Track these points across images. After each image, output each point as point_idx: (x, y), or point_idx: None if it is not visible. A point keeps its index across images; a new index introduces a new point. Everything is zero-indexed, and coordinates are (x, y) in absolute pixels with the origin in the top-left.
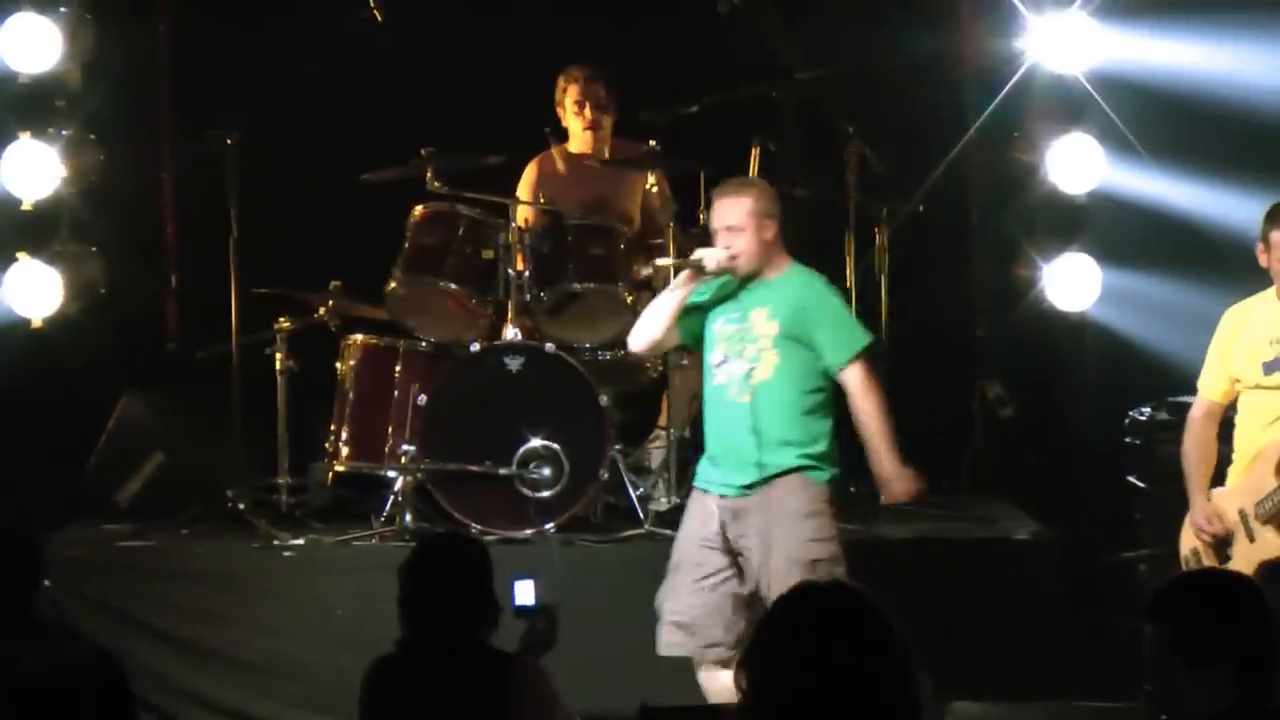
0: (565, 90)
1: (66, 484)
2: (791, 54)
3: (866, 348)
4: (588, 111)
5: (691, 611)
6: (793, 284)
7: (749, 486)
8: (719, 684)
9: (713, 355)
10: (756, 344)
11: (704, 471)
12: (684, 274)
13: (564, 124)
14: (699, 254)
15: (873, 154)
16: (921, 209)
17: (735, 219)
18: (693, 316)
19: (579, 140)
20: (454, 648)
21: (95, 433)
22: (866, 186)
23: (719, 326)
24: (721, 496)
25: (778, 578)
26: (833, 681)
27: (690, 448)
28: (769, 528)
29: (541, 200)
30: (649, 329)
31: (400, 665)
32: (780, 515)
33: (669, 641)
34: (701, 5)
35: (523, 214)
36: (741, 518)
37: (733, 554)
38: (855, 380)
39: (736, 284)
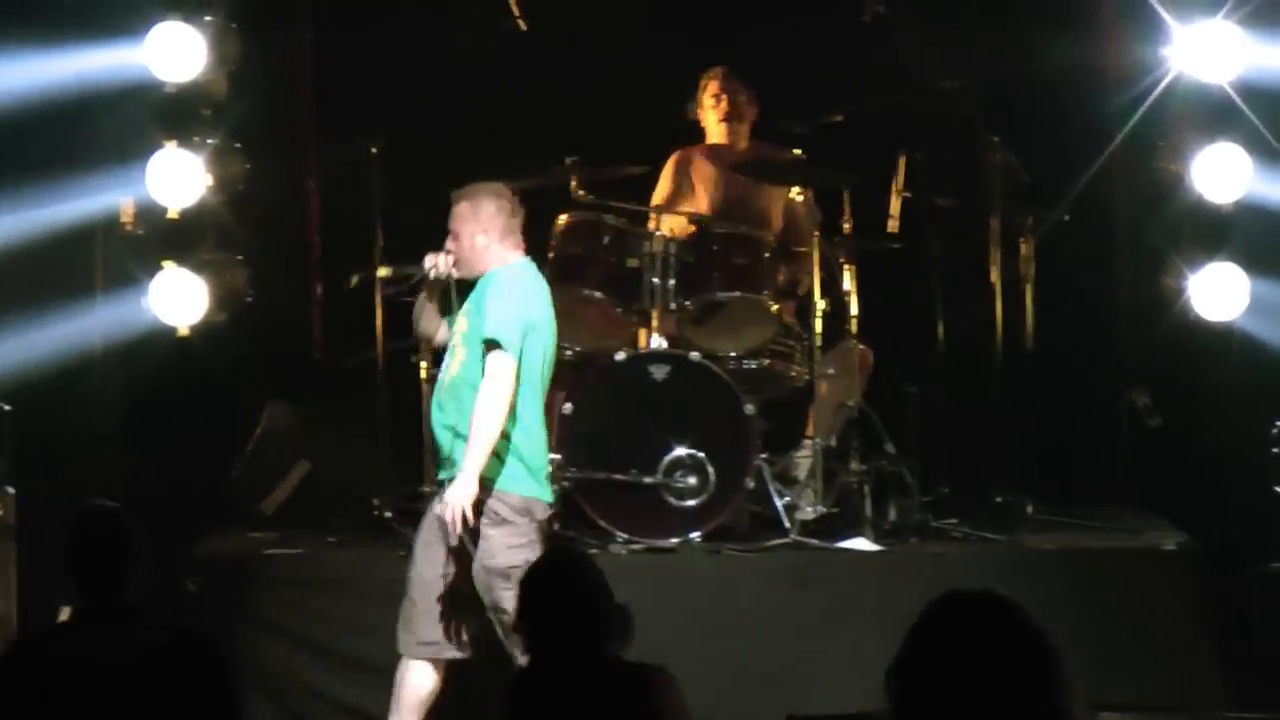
0: (704, 87)
1: (212, 492)
2: (936, 62)
3: (498, 342)
4: (724, 104)
5: None
6: (486, 282)
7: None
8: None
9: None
10: (454, 341)
11: None
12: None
13: (702, 123)
14: (426, 261)
15: (1018, 163)
16: (1067, 218)
17: (452, 224)
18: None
19: (716, 132)
20: (583, 662)
21: (241, 441)
22: (1012, 196)
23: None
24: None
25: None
26: (982, 693)
27: (836, 456)
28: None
29: (681, 198)
30: (417, 330)
31: (537, 681)
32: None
33: None
34: (845, 14)
35: (667, 223)
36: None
37: None
38: (486, 370)
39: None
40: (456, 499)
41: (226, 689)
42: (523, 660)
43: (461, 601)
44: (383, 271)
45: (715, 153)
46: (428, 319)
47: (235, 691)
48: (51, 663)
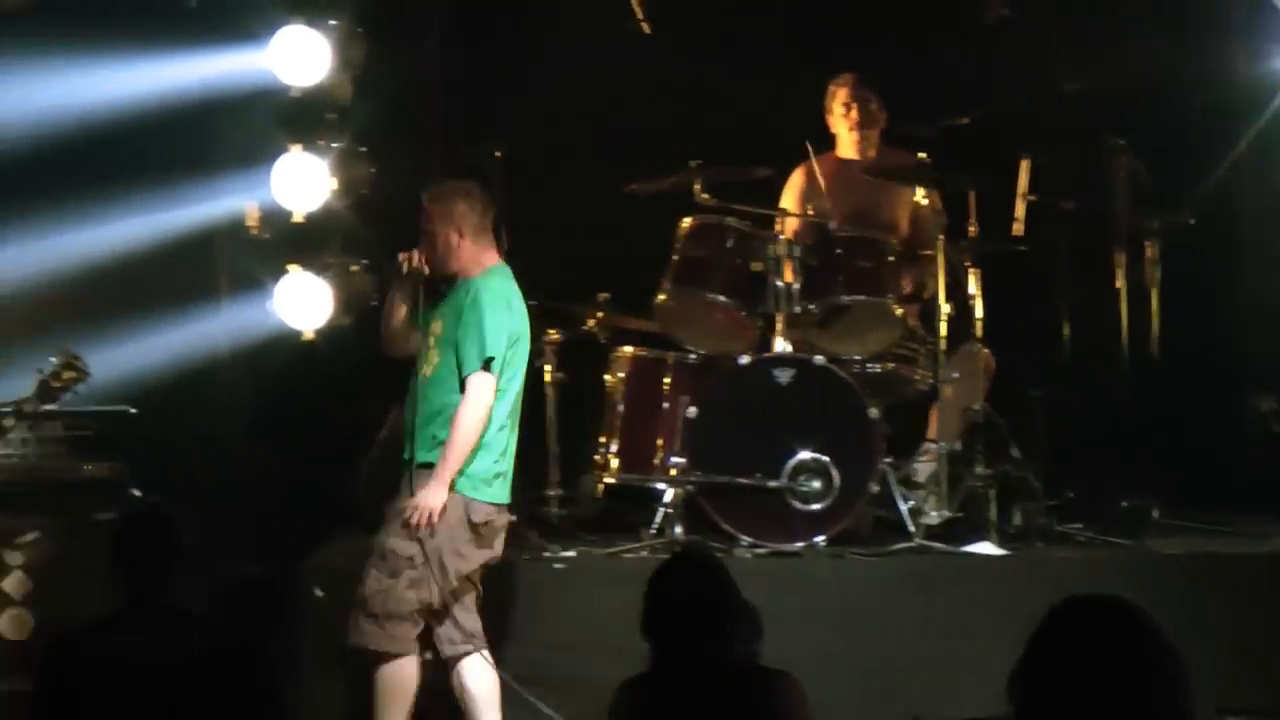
0: (834, 95)
1: (336, 497)
2: (1059, 65)
3: (486, 362)
4: (854, 113)
5: None
6: (465, 290)
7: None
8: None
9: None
10: (427, 341)
11: None
12: (396, 280)
13: (832, 130)
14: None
15: (1143, 166)
16: (1192, 222)
17: (425, 222)
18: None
19: (846, 144)
20: (707, 665)
21: (366, 444)
22: (1137, 200)
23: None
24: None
25: None
26: (1105, 698)
27: (960, 460)
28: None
29: (808, 209)
30: (383, 336)
31: (652, 685)
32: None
33: None
34: (968, 18)
35: (791, 226)
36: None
37: None
38: (467, 389)
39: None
40: (428, 503)
41: (265, 691)
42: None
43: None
44: (354, 267)
45: (844, 163)
46: (397, 318)
47: (274, 694)
48: (91, 659)
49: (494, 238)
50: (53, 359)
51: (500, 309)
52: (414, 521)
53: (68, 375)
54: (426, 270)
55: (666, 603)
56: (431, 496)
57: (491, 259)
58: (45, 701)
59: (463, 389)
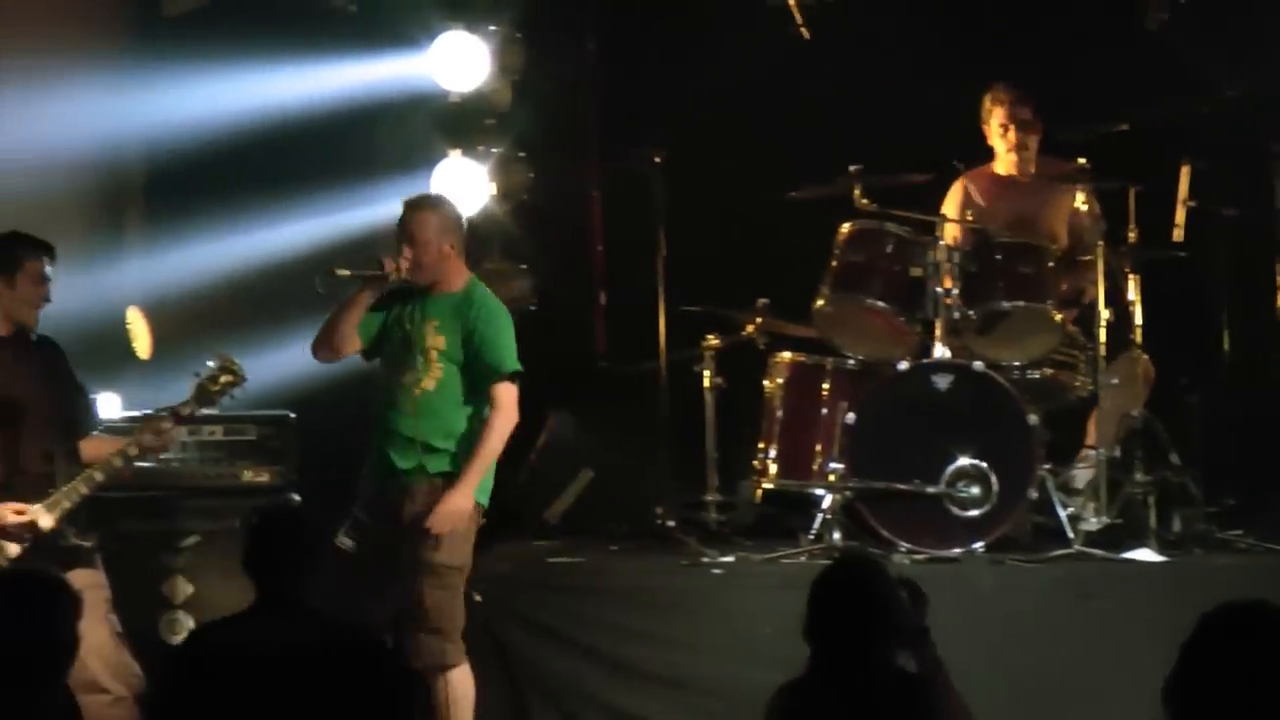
0: (991, 111)
1: (496, 501)
2: (1220, 70)
3: (515, 372)
4: (1012, 134)
5: None
6: (466, 301)
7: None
8: None
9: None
10: (424, 355)
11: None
12: (366, 282)
13: (989, 142)
14: (384, 262)
15: None
16: None
17: (416, 230)
18: (369, 323)
19: (1004, 162)
20: (866, 670)
21: (525, 449)
22: None
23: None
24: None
25: None
26: (1263, 705)
27: (1120, 467)
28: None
29: (968, 218)
30: (328, 335)
31: (810, 689)
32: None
33: None
34: (1128, 22)
35: (951, 232)
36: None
37: None
38: (498, 400)
39: (413, 293)
40: (460, 510)
41: (390, 686)
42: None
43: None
44: (342, 271)
45: (1003, 180)
46: (351, 320)
47: (398, 691)
48: (218, 652)
49: None
50: (210, 363)
51: (508, 318)
52: (445, 530)
53: (224, 379)
54: (419, 279)
55: (829, 606)
56: (462, 503)
57: (469, 274)
58: (169, 692)
59: (469, 401)
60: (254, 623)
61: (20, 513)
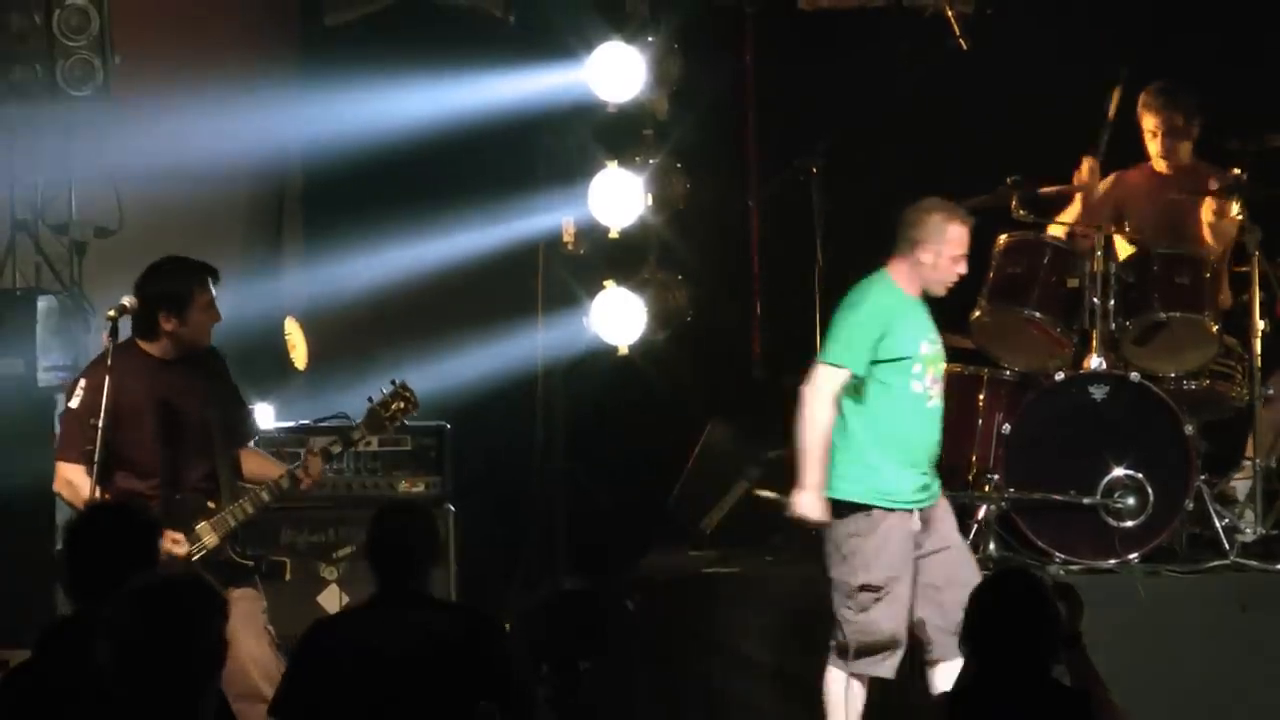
0: (1142, 115)
1: (653, 510)
2: None
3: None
4: (1161, 142)
5: (921, 623)
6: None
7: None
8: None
9: (926, 377)
10: (932, 362)
11: (906, 491)
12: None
13: (1144, 140)
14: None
15: None
16: None
17: (966, 247)
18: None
19: (1155, 163)
20: (1021, 682)
21: (682, 459)
22: None
23: (924, 349)
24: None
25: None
26: None
27: (1277, 478)
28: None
29: (1120, 218)
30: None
31: (967, 700)
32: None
33: (895, 665)
34: None
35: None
36: (929, 524)
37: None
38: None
39: (922, 306)
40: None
41: (508, 674)
42: None
43: None
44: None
45: (1152, 176)
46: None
47: (512, 673)
48: (341, 641)
49: None
50: (384, 389)
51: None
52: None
53: (396, 406)
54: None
55: (991, 618)
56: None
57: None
58: (295, 678)
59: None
60: (376, 613)
61: (177, 542)
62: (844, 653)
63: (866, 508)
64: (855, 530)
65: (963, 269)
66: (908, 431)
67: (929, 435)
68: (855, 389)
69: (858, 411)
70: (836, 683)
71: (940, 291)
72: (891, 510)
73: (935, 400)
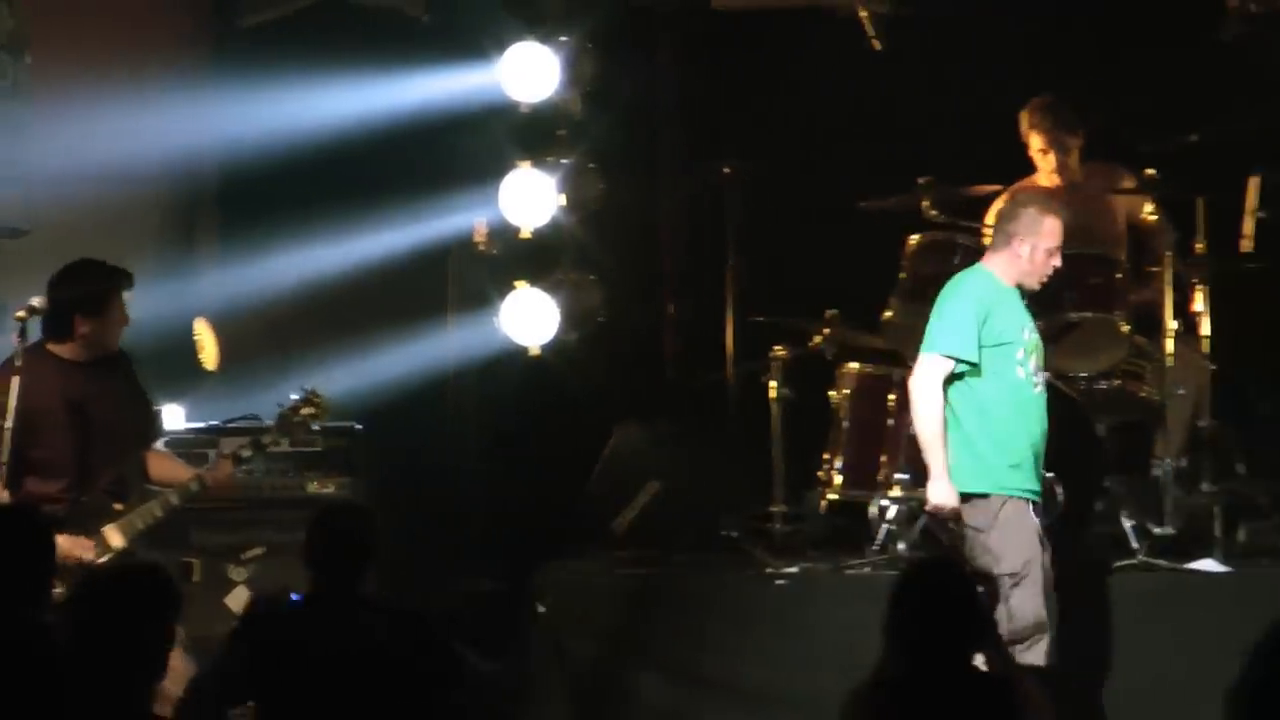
0: (1029, 135)
1: (564, 512)
2: None
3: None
4: (1052, 159)
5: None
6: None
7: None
8: None
9: (1030, 363)
10: (1038, 353)
11: (1018, 478)
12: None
13: (1030, 154)
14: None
15: None
16: None
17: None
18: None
19: (1046, 178)
20: (945, 671)
21: (592, 460)
22: None
23: (1026, 336)
24: (1036, 501)
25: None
26: None
27: (1186, 477)
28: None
29: None
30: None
31: (889, 692)
32: None
33: (1045, 650)
34: (1204, 31)
35: None
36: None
37: None
38: None
39: (1021, 295)
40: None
41: (445, 678)
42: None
43: None
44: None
45: (1050, 190)
46: None
47: (446, 674)
48: (277, 640)
49: None
50: (293, 394)
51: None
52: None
53: (306, 412)
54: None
55: (915, 608)
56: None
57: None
58: (224, 668)
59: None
60: (312, 615)
61: (84, 546)
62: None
63: (984, 496)
64: (979, 521)
65: (1057, 261)
66: (1016, 418)
67: (1036, 423)
68: (961, 378)
69: (965, 401)
70: None
71: (1035, 285)
72: (1009, 497)
73: (1040, 388)
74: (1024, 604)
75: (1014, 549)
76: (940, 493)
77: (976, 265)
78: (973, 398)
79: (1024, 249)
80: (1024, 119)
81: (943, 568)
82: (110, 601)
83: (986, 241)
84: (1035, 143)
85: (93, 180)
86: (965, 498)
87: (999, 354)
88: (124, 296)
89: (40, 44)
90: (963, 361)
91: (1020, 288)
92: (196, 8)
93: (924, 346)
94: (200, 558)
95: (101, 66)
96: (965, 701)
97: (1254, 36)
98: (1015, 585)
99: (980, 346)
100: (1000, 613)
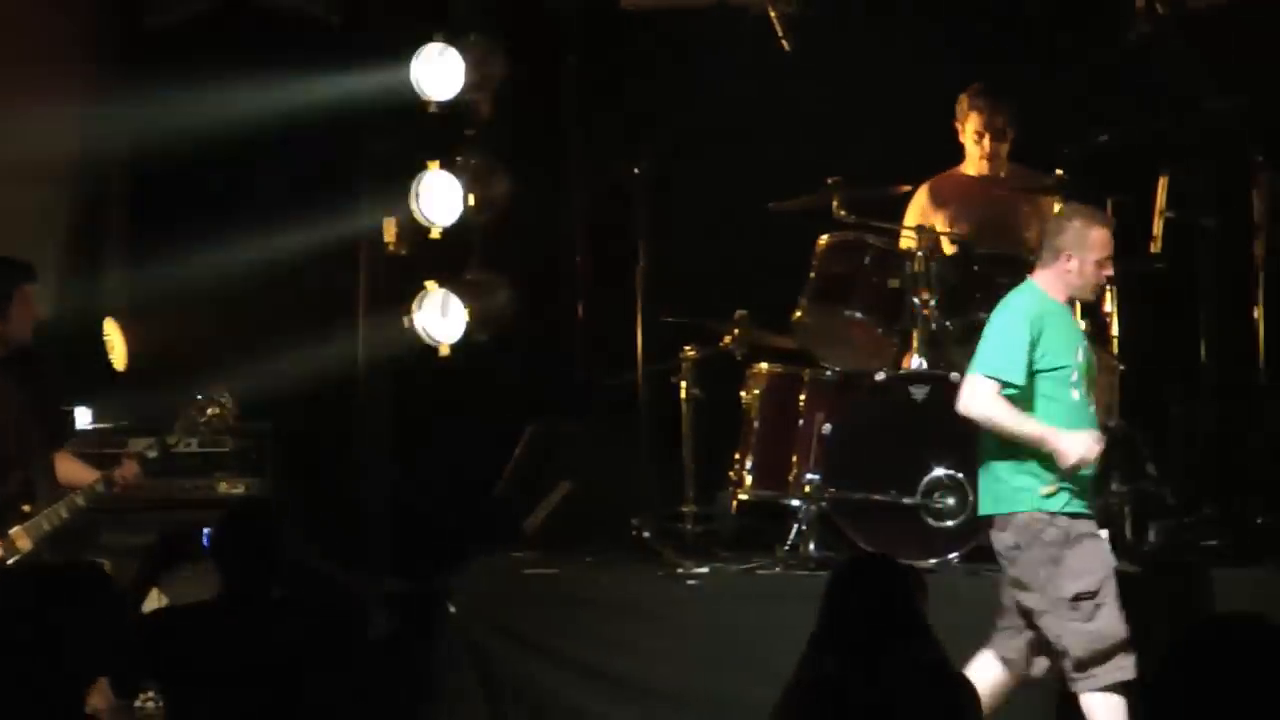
0: (966, 116)
1: (474, 512)
2: (1202, 82)
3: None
4: (986, 143)
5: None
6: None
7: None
8: None
9: (1084, 384)
10: (1090, 369)
11: (1080, 499)
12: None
13: (961, 140)
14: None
15: None
16: None
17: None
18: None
19: (975, 165)
20: (882, 664)
21: (503, 460)
22: (1277, 217)
23: (1080, 357)
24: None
25: None
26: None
27: (1097, 478)
28: None
29: (940, 221)
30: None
31: (820, 690)
32: None
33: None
34: (1109, 35)
35: (928, 242)
36: None
37: None
38: None
39: (1069, 313)
40: None
41: (354, 680)
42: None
43: None
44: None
45: (972, 183)
46: None
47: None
48: (182, 639)
49: None
50: (200, 396)
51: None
52: None
53: (212, 413)
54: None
55: (851, 602)
56: None
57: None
58: (128, 664)
59: None
60: (218, 615)
61: None
62: (1083, 667)
63: (1050, 516)
64: (1051, 541)
65: (1109, 271)
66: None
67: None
68: (1013, 401)
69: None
70: (1102, 706)
71: (1089, 297)
72: (1075, 516)
73: (1094, 406)
74: (1110, 621)
75: (1091, 566)
76: (1074, 442)
77: (1027, 281)
78: (1054, 421)
79: (1073, 264)
80: (963, 101)
81: (880, 564)
82: (48, 598)
83: (901, 242)
84: (972, 124)
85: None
86: (1038, 520)
87: (1052, 379)
88: (28, 291)
89: None
90: (1009, 385)
91: (1073, 301)
92: (102, 8)
93: (972, 366)
94: (110, 558)
95: (5, 67)
96: (904, 698)
97: (1160, 37)
98: (1098, 605)
99: (1033, 371)
100: (1089, 631)
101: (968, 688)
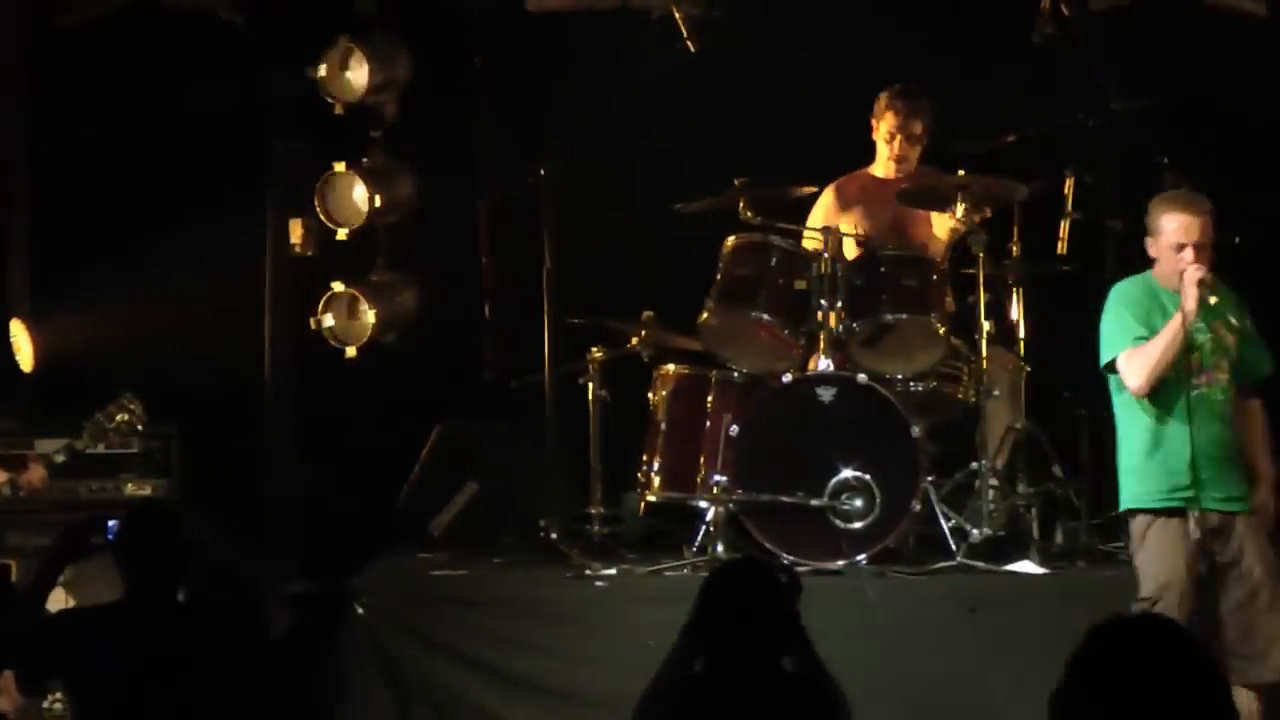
0: (882, 115)
1: (381, 513)
2: (1107, 84)
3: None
4: (896, 144)
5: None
6: (1232, 297)
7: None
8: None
9: (1191, 362)
10: (1216, 355)
11: (1174, 489)
12: (1191, 307)
13: (874, 137)
14: (1196, 287)
15: (1190, 184)
16: (1238, 240)
17: (1207, 235)
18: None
19: (883, 166)
20: (753, 672)
21: (411, 462)
22: None
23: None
24: (1205, 511)
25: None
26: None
27: (1003, 479)
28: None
29: (840, 225)
30: (1160, 369)
31: (699, 690)
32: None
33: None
34: (1016, 36)
35: (834, 244)
36: (1231, 533)
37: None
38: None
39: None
40: None
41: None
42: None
43: None
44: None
45: (878, 181)
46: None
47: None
48: (87, 641)
49: None
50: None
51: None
52: None
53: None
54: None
55: (723, 609)
56: None
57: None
58: (31, 664)
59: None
60: (123, 618)
61: None
62: None
63: (1132, 513)
64: (1133, 541)
65: (1188, 256)
66: (1180, 425)
67: (1204, 428)
68: (1120, 389)
69: (1127, 414)
70: None
71: (1177, 283)
72: (1157, 512)
73: (1202, 389)
74: None
75: (1154, 571)
76: (1185, 297)
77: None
78: (1134, 409)
79: (1153, 249)
80: (881, 99)
81: (752, 568)
82: None
83: (807, 244)
84: (886, 124)
85: None
86: (1128, 515)
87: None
88: None
89: None
90: (1135, 341)
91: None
92: (9, 8)
93: (1103, 361)
94: (17, 559)
95: None
96: (769, 702)
97: (1065, 39)
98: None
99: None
100: None
101: (837, 694)
